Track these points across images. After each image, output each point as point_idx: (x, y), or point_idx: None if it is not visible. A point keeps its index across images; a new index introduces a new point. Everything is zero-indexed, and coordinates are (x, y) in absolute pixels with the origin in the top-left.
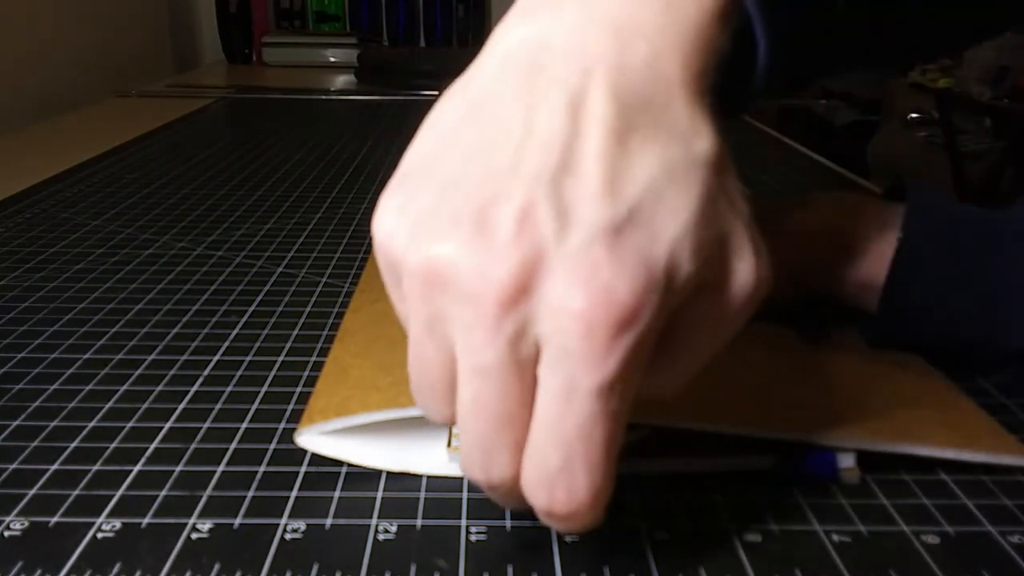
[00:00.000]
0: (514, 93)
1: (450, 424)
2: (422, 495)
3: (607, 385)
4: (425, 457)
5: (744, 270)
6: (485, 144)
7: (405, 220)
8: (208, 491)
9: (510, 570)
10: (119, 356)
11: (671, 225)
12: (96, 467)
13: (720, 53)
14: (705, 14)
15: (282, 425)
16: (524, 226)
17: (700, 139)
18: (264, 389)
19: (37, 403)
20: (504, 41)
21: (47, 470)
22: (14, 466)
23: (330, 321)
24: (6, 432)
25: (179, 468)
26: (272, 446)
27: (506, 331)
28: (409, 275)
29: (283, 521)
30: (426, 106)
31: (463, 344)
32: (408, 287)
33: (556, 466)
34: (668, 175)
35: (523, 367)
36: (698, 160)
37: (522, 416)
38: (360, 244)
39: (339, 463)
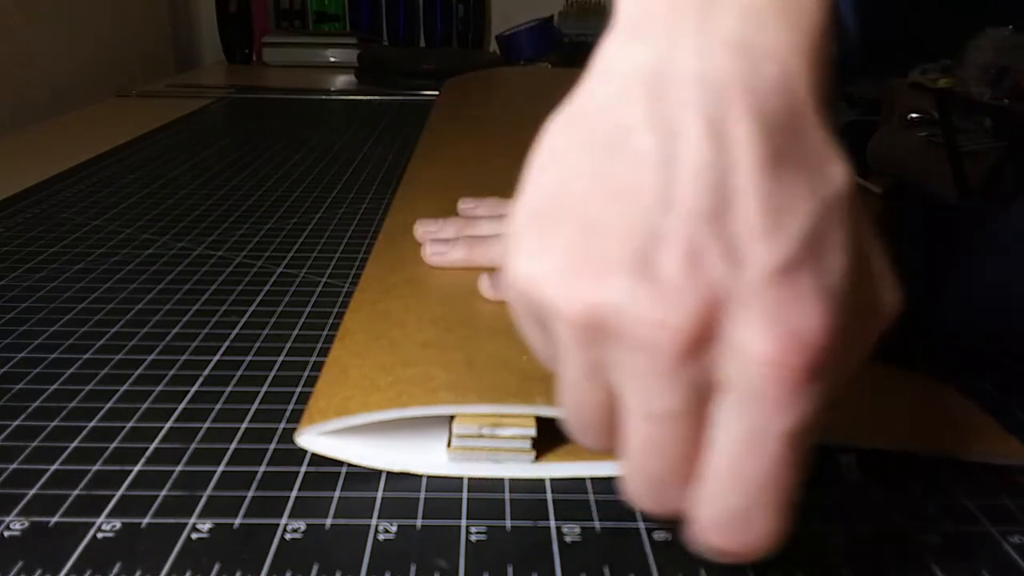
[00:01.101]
0: (644, 122)
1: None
2: (422, 495)
3: (798, 429)
4: (425, 457)
5: (889, 295)
6: (623, 179)
7: (550, 264)
8: (208, 491)
9: (510, 570)
10: (119, 356)
11: (837, 258)
12: (96, 467)
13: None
14: (818, 29)
15: (282, 425)
16: (693, 268)
17: (837, 164)
18: (264, 389)
19: (37, 403)
20: (618, 65)
21: (47, 470)
22: (14, 466)
23: (330, 321)
24: (6, 432)
25: (179, 468)
26: (272, 446)
27: (684, 379)
28: (567, 323)
29: (283, 521)
30: (426, 106)
31: (635, 390)
32: (565, 334)
33: (737, 509)
34: (823, 205)
35: (699, 410)
36: (841, 187)
37: (696, 453)
38: (360, 244)
39: (339, 463)
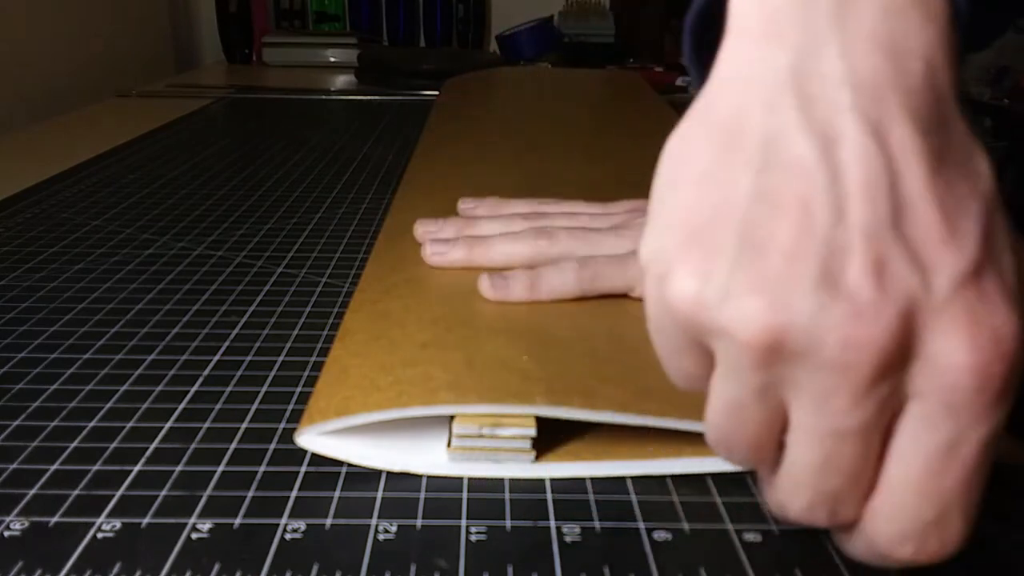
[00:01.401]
0: (798, 129)
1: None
2: (422, 495)
3: (995, 434)
4: (425, 457)
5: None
6: (787, 191)
7: (717, 285)
8: (208, 491)
9: (510, 570)
10: (119, 356)
11: (1007, 257)
12: (96, 467)
13: None
14: (948, 20)
15: (282, 425)
16: (882, 280)
17: (982, 157)
18: (264, 389)
19: (37, 403)
20: (753, 71)
21: (47, 470)
22: (14, 466)
23: (330, 321)
24: (6, 432)
25: (179, 468)
26: (272, 446)
27: (877, 396)
28: (744, 345)
29: (283, 521)
30: (426, 106)
31: (817, 409)
32: (739, 356)
33: (930, 519)
34: (985, 203)
35: (881, 424)
36: (990, 181)
37: (874, 467)
38: (360, 244)
39: (339, 463)
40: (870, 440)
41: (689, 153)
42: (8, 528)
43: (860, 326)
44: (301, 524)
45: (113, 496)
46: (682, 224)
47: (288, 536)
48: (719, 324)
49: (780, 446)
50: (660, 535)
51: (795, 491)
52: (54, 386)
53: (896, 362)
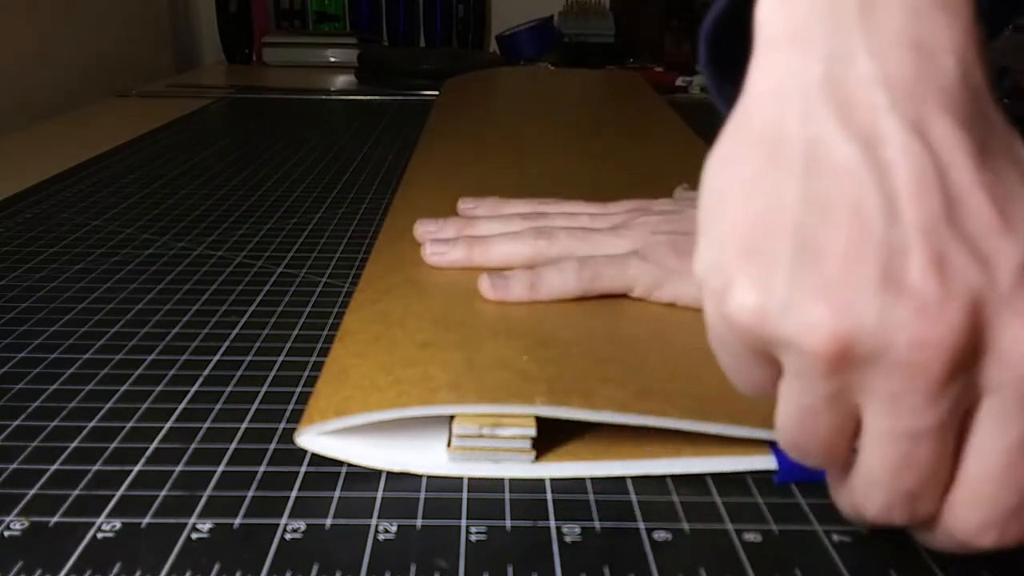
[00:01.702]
0: (839, 133)
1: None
2: (422, 495)
3: None
4: (425, 457)
5: None
6: (836, 195)
7: (779, 296)
8: (208, 491)
9: (510, 570)
10: (119, 356)
11: None
12: (96, 467)
13: None
14: (972, 16)
15: (282, 425)
16: (944, 277)
17: (1020, 144)
18: (264, 389)
19: (37, 403)
20: (787, 80)
21: (47, 470)
22: (14, 466)
23: (330, 321)
24: (6, 432)
25: (179, 468)
26: (272, 446)
27: (950, 393)
28: (812, 354)
29: (283, 521)
30: (426, 106)
31: (890, 411)
32: (808, 365)
33: (1011, 507)
34: None
35: (956, 419)
36: None
37: (951, 462)
38: (360, 244)
39: (339, 463)
40: (945, 437)
41: (733, 165)
42: (8, 528)
43: (928, 324)
44: (301, 524)
45: (113, 496)
46: (735, 236)
47: (288, 536)
48: (784, 335)
49: (853, 448)
50: (660, 535)
51: (872, 492)
52: (54, 386)
53: (967, 358)
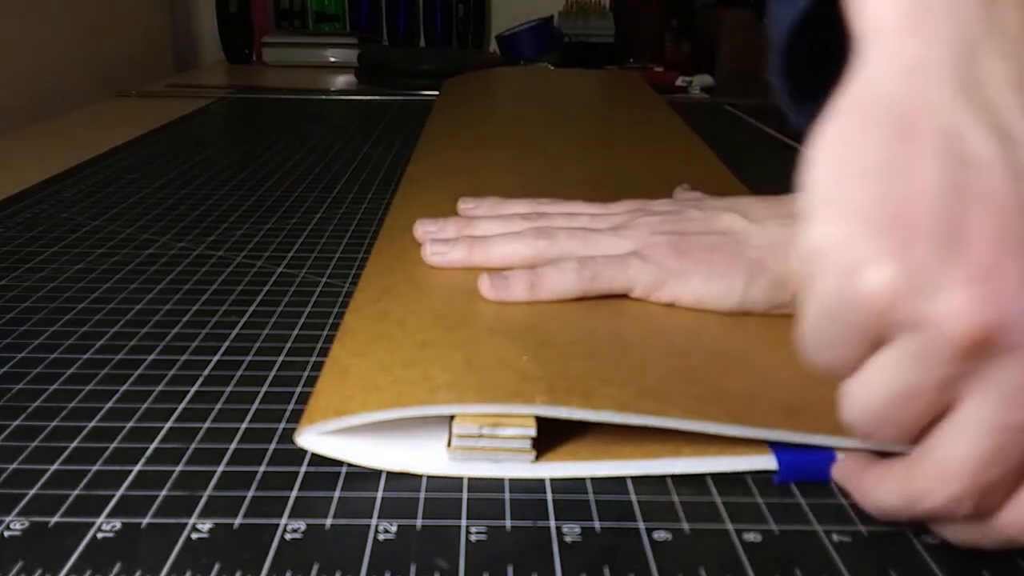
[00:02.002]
0: (978, 127)
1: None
2: (422, 495)
3: None
4: (425, 457)
5: None
6: (976, 188)
7: (921, 279)
8: (208, 491)
9: (510, 570)
10: (119, 356)
11: None
12: (96, 467)
13: None
14: None
15: (282, 425)
16: None
17: None
18: (264, 389)
19: (37, 403)
20: (916, 63)
21: (47, 470)
22: (14, 466)
23: (330, 321)
24: (6, 432)
25: (179, 468)
26: (272, 446)
27: None
28: (946, 339)
29: (283, 521)
30: (426, 106)
31: (1002, 403)
32: (934, 348)
33: None
34: None
35: None
36: None
37: None
38: (360, 244)
39: (339, 463)
40: None
41: (853, 145)
42: (8, 528)
43: None
44: (301, 524)
45: (113, 496)
46: (865, 214)
47: (288, 536)
48: (924, 316)
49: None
50: (660, 535)
51: (945, 483)
52: (54, 386)
53: None
